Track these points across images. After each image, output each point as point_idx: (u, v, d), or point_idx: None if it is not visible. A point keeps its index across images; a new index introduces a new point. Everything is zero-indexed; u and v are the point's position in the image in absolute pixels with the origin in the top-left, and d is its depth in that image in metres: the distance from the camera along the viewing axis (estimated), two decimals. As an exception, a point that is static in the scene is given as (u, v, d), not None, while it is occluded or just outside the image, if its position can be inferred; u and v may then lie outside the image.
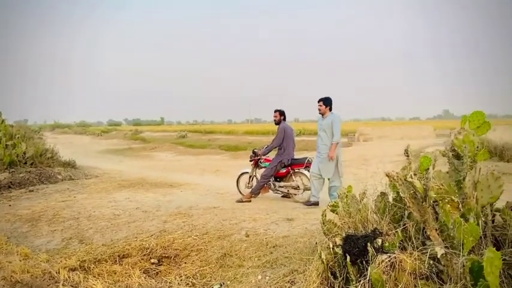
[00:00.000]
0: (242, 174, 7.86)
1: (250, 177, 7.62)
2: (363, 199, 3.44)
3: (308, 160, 7.01)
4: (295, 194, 7.04)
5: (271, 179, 7.25)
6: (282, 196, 7.50)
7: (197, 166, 14.60)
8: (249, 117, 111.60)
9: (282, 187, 7.19)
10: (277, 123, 7.17)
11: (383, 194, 3.19)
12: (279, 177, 7.26)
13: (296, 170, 7.05)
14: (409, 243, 2.69)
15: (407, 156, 3.06)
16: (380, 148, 15.53)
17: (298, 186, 7.01)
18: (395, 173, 2.82)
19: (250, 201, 7.09)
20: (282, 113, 7.21)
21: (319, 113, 6.46)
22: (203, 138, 34.50)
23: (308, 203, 6.40)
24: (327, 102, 6.39)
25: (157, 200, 7.34)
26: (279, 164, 7.08)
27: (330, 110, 6.40)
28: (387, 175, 2.84)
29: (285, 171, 7.12)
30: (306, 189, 6.96)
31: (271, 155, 7.58)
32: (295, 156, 7.24)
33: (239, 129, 42.78)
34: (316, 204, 6.38)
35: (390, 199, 3.12)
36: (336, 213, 3.42)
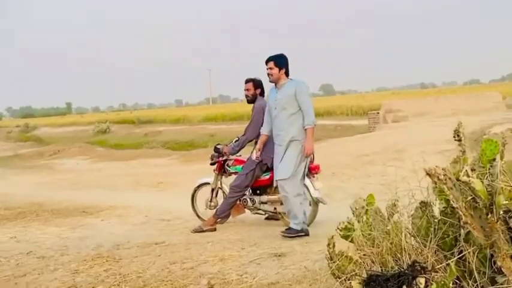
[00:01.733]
0: (200, 186, 7.88)
1: (213, 190, 7.62)
2: (392, 215, 3.45)
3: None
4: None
5: (247, 192, 7.26)
6: (266, 218, 7.59)
7: (128, 178, 14.50)
8: (209, 94, 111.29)
9: (265, 203, 7.22)
10: (252, 100, 7.21)
11: (424, 205, 3.20)
12: (259, 188, 7.30)
13: None
14: (470, 281, 2.70)
15: (459, 139, 3.06)
16: (420, 132, 15.66)
17: None
18: (440, 169, 2.80)
19: (214, 229, 7.12)
20: (257, 84, 7.25)
21: (270, 81, 6.54)
22: (137, 132, 34.27)
23: (289, 233, 6.33)
24: (280, 62, 6.45)
25: (62, 237, 7.29)
26: (257, 166, 7.07)
27: (287, 74, 6.48)
28: (428, 173, 2.82)
29: (268, 177, 7.14)
30: None
31: (245, 153, 7.58)
32: None
33: (194, 115, 42.80)
34: (305, 233, 6.38)
35: (436, 212, 3.15)
36: (351, 241, 3.42)
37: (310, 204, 6.95)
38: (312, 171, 6.96)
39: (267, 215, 7.49)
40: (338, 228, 3.57)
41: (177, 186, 12.26)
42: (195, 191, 7.90)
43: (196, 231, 7.09)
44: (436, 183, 2.88)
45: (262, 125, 6.98)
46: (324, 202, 6.96)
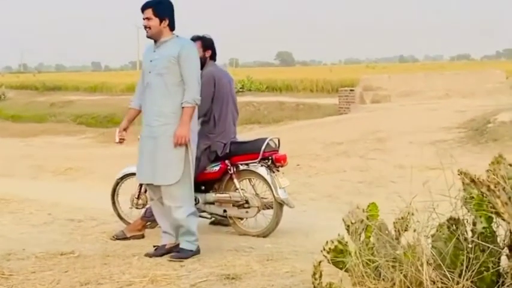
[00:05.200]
0: (124, 177, 7.71)
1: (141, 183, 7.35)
2: (401, 231, 3.33)
3: (268, 144, 6.97)
4: (241, 218, 7.13)
5: None
6: (212, 223, 7.62)
7: (27, 160, 14.35)
8: (137, 57, 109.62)
9: (212, 203, 7.17)
10: (200, 65, 6.85)
11: (454, 223, 3.01)
12: (205, 183, 7.25)
13: (242, 167, 7.11)
14: None
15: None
16: (407, 117, 15.93)
17: (247, 202, 6.94)
18: (491, 174, 2.51)
19: (142, 236, 6.99)
20: (207, 45, 7.26)
21: (148, 36, 6.16)
22: (41, 101, 33.88)
23: (181, 255, 5.99)
24: (162, 9, 6.04)
25: None
26: (204, 154, 7.04)
27: (172, 28, 6.15)
28: (473, 180, 2.54)
29: (217, 169, 7.16)
30: (265, 206, 6.96)
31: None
32: (239, 138, 7.36)
33: (117, 82, 42.49)
34: (198, 252, 6.08)
35: (469, 233, 3.01)
36: (344, 269, 3.26)
37: (270, 207, 6.92)
38: (276, 162, 6.90)
39: (213, 219, 7.45)
40: (325, 249, 3.40)
41: (92, 174, 12.14)
42: (117, 183, 7.68)
43: (117, 237, 6.84)
44: (483, 194, 2.58)
45: (212, 100, 6.95)
46: (291, 205, 6.90)
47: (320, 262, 3.17)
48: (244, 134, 17.37)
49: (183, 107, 5.86)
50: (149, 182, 6.13)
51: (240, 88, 32.84)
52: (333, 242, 3.34)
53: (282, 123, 19.41)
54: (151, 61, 6.06)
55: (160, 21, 5.97)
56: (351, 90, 23.68)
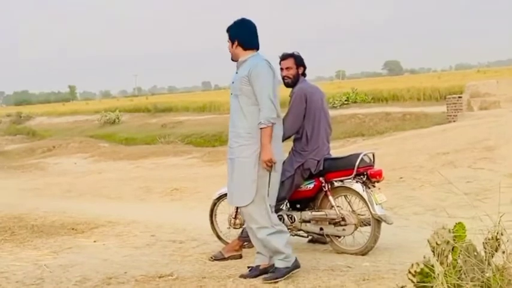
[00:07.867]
0: (222, 197, 7.70)
1: (238, 204, 7.37)
2: (491, 253, 3.13)
3: (362, 160, 6.83)
4: (338, 236, 6.99)
5: (283, 206, 7.12)
6: (310, 241, 7.52)
7: (135, 182, 14.56)
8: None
9: (309, 222, 7.06)
10: (292, 83, 7.09)
11: None
12: (300, 202, 7.18)
13: (337, 184, 7.00)
14: None
15: None
16: None
17: (344, 219, 6.81)
18: None
19: (239, 256, 6.94)
20: (299, 61, 7.16)
21: (232, 59, 6.19)
22: (152, 123, 34.61)
23: (276, 275, 5.85)
24: (233, 31, 6.08)
25: (39, 265, 7.04)
26: (297, 172, 6.95)
27: (246, 47, 6.09)
28: None
29: (312, 187, 7.05)
30: (363, 223, 6.85)
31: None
32: (333, 154, 7.22)
33: (225, 101, 42.74)
34: (297, 267, 5.93)
35: None
36: None
37: (367, 224, 6.81)
38: (371, 178, 6.77)
39: (310, 237, 7.35)
40: (410, 272, 3.23)
41: (196, 194, 12.19)
42: (214, 204, 7.73)
43: (215, 258, 6.85)
44: None
45: (304, 117, 6.88)
46: (389, 221, 6.72)
47: (403, 287, 3.03)
48: (347, 147, 17.16)
49: (260, 129, 5.81)
50: (230, 203, 6.22)
51: (345, 100, 32.75)
52: (418, 265, 3.19)
53: (386, 134, 19.05)
54: (232, 83, 6.11)
55: (232, 44, 6.06)
56: (459, 97, 23.23)
